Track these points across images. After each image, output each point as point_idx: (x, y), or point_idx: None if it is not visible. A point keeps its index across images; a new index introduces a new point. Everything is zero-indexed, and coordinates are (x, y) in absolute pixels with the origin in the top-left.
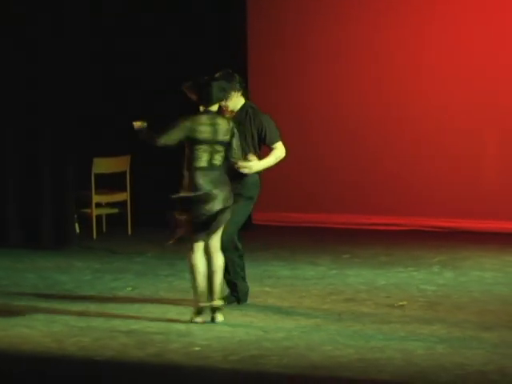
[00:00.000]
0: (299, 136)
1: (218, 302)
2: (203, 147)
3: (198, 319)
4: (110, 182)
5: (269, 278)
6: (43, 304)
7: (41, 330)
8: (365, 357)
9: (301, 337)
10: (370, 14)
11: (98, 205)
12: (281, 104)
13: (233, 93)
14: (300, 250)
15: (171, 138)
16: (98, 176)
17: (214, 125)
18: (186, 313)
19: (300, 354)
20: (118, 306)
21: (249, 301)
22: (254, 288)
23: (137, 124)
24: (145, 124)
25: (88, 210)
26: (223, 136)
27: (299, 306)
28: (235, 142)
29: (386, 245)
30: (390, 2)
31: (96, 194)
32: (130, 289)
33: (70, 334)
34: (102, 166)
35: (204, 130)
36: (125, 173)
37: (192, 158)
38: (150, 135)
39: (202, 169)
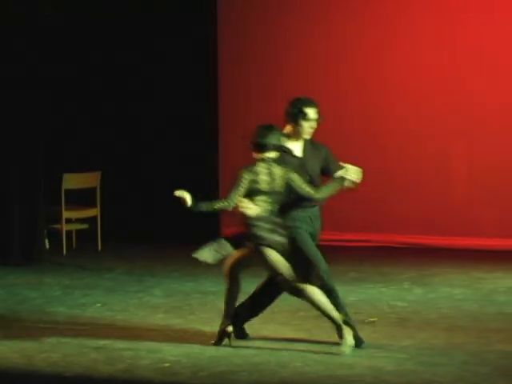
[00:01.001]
0: None
1: None
2: (263, 197)
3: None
4: (81, 198)
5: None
6: (12, 320)
7: (10, 346)
8: (335, 373)
9: (271, 353)
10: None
11: (68, 220)
12: (252, 115)
13: None
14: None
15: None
16: (68, 192)
17: (271, 174)
18: (155, 329)
19: (270, 370)
20: (87, 321)
21: (219, 317)
22: (223, 304)
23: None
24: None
25: (58, 226)
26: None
27: (270, 321)
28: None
29: (356, 261)
30: (360, 14)
31: (66, 209)
32: (99, 305)
33: (40, 350)
34: (72, 181)
35: (263, 180)
36: (95, 188)
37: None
38: (216, 204)
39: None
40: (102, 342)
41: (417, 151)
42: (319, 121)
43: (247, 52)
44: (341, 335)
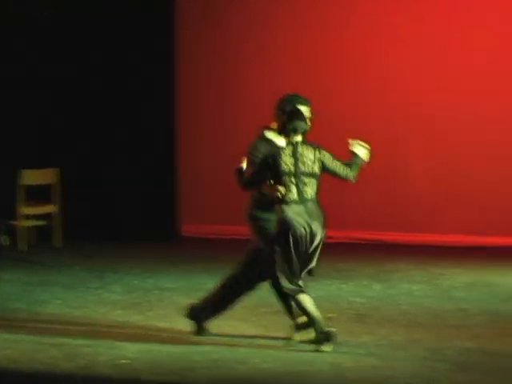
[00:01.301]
0: (232, 148)
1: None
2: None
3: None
4: (40, 195)
5: (198, 291)
6: None
7: None
8: (293, 369)
9: (230, 349)
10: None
11: (27, 217)
12: (210, 115)
13: None
14: (229, 263)
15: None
16: (26, 188)
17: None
18: (114, 325)
19: (229, 367)
20: (47, 318)
21: (177, 313)
22: (182, 300)
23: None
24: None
25: (16, 222)
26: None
27: (228, 318)
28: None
29: None
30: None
31: (24, 206)
32: (58, 301)
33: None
34: (30, 177)
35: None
36: (54, 185)
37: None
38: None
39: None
40: (61, 339)
41: (375, 147)
42: (311, 119)
43: (206, 51)
44: (321, 342)
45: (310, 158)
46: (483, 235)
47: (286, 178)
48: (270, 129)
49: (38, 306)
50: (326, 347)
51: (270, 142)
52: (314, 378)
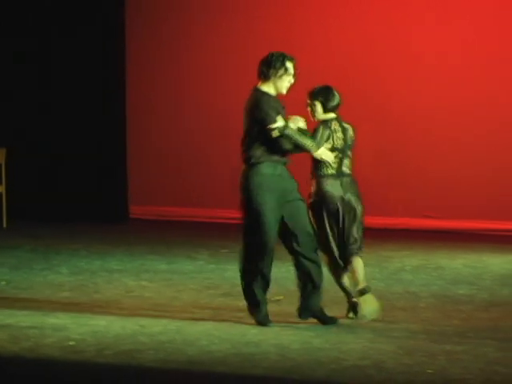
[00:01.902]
0: (179, 131)
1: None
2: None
3: None
4: None
5: (145, 272)
6: None
7: None
8: (241, 351)
9: (177, 331)
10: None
11: None
12: (157, 98)
13: None
14: (178, 245)
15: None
16: None
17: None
18: (60, 307)
19: (176, 349)
20: None
21: (125, 295)
22: (130, 282)
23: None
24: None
25: None
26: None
27: (176, 300)
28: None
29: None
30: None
31: None
32: (4, 283)
33: None
34: None
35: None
36: (0, 165)
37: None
38: (305, 139)
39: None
40: (6, 321)
41: None
42: (295, 77)
43: (155, 38)
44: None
45: (350, 133)
46: (432, 218)
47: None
48: (262, 85)
49: None
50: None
51: (275, 98)
52: (262, 360)
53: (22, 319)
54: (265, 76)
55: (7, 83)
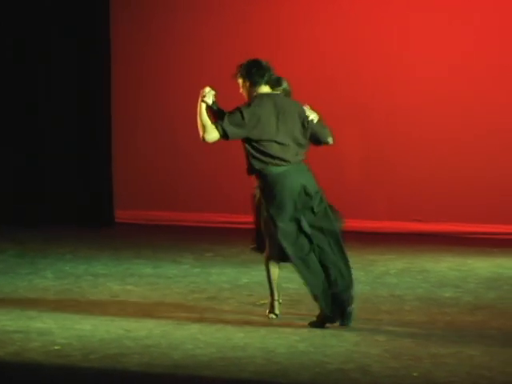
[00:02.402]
0: (165, 134)
1: None
2: None
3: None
4: None
5: (131, 276)
6: None
7: None
8: (226, 355)
9: (163, 335)
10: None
11: None
12: (144, 102)
13: None
14: (162, 249)
15: None
16: None
17: None
18: (45, 311)
19: (161, 353)
20: None
21: (111, 299)
22: (115, 286)
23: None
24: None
25: None
26: None
27: (161, 304)
28: None
29: (249, 243)
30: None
31: None
32: None
33: None
34: None
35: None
36: None
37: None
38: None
39: None
40: None
41: None
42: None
43: (140, 42)
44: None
45: None
46: (417, 221)
47: None
48: None
49: None
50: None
51: None
52: (248, 364)
53: (7, 323)
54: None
55: None
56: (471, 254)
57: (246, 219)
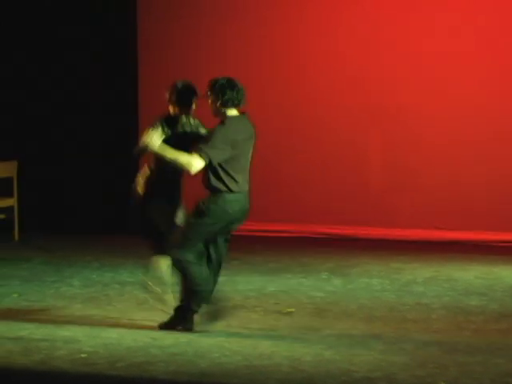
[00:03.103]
0: None
1: None
2: None
3: None
4: None
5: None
6: None
7: None
8: (252, 363)
9: (189, 343)
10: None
11: None
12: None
13: None
14: None
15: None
16: None
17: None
18: (72, 319)
19: (188, 361)
20: (3, 312)
21: (137, 307)
22: (141, 295)
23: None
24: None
25: None
26: None
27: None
28: None
29: (276, 251)
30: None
31: None
32: (16, 295)
33: None
34: None
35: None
36: (12, 178)
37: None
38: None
39: None
40: (18, 333)
41: (333, 142)
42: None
43: (167, 40)
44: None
45: None
46: (443, 230)
47: None
48: None
49: None
50: None
51: None
52: (274, 372)
53: (34, 331)
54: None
55: (18, 95)
56: (498, 262)
57: (272, 227)
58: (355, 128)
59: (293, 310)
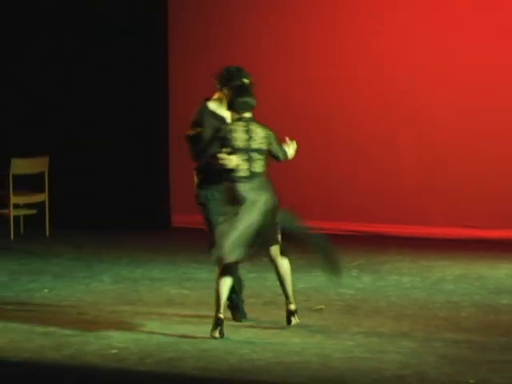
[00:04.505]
0: None
1: (292, 306)
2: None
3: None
4: (29, 183)
5: (187, 281)
6: None
7: None
8: (282, 360)
9: (219, 340)
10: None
11: (16, 206)
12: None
13: None
14: None
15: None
16: (16, 177)
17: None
18: (103, 315)
19: (218, 357)
20: (34, 307)
21: (167, 303)
22: (172, 290)
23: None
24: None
25: (6, 211)
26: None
27: None
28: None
29: (305, 248)
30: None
31: (14, 194)
32: (47, 290)
33: None
34: (20, 166)
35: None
36: (43, 173)
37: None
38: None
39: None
40: (49, 328)
41: (364, 139)
42: None
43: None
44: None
45: (260, 135)
46: (473, 228)
47: (238, 154)
48: (211, 100)
49: (26, 295)
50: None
51: (214, 114)
52: (304, 369)
53: (65, 326)
54: (217, 86)
55: (53, 94)
56: None
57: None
58: (387, 127)
59: (323, 306)
